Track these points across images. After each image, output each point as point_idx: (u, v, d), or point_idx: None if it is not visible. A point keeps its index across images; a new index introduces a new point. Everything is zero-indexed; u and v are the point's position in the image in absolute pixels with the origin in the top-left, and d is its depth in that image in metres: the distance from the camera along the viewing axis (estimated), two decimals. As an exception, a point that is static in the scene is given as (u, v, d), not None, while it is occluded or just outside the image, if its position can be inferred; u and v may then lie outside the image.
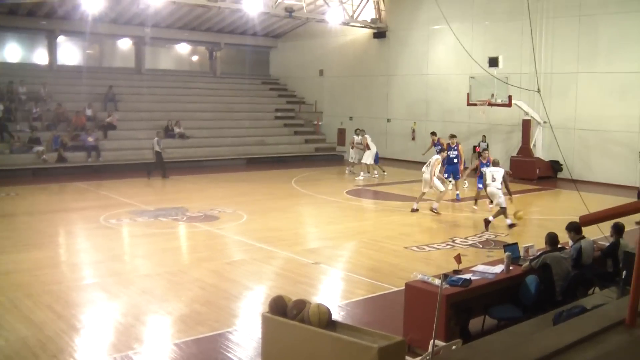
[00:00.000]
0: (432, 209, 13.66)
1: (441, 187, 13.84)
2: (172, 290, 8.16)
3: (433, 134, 19.79)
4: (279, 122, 28.85)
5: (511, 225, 12.13)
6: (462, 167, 16.45)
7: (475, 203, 14.25)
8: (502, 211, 12.36)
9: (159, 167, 19.59)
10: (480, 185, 13.88)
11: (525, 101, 20.90)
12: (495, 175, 12.52)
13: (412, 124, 26.09)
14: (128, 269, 9.18)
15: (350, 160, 21.51)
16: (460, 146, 15.92)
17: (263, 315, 4.94)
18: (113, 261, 9.52)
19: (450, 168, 15.70)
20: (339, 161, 27.15)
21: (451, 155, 15.88)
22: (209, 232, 11.66)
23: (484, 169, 12.90)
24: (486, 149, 19.69)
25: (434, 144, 18.83)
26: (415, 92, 25.83)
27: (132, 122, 24.02)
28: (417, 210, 13.84)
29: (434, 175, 13.71)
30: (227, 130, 26.23)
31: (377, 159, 20.93)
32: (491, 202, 12.85)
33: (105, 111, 23.78)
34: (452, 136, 16.28)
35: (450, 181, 16.44)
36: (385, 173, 21.07)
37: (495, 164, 13.08)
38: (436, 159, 13.95)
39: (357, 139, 20.91)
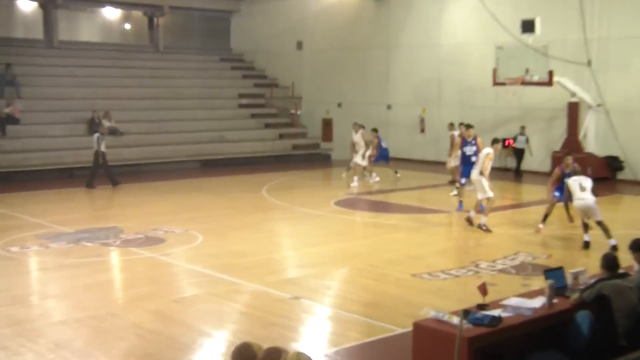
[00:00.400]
0: (480, 226, 13.62)
1: (489, 192, 13.86)
2: (98, 341, 8.03)
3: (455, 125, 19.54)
4: (244, 112, 28.90)
5: (614, 247, 11.68)
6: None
7: (570, 219, 14.08)
8: (604, 229, 12.25)
9: (106, 173, 19.64)
10: (557, 194, 13.66)
11: (572, 78, 21.12)
12: (584, 184, 12.45)
13: (420, 111, 26.22)
14: (35, 314, 8.98)
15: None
16: (479, 139, 15.91)
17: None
18: (14, 305, 9.27)
19: (467, 169, 15.46)
20: (325, 162, 27.19)
21: (467, 153, 15.77)
22: (151, 260, 11.60)
23: (568, 180, 12.75)
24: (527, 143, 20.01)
25: (463, 143, 18.20)
26: (425, 69, 26.00)
27: (41, 113, 23.80)
28: (471, 222, 13.81)
29: (486, 174, 13.72)
30: (174, 123, 26.23)
31: (387, 157, 21.15)
32: (586, 226, 12.57)
33: (3, 99, 23.50)
34: (468, 126, 16.24)
35: (457, 187, 16.60)
36: (399, 175, 21.17)
37: (577, 172, 13.06)
38: (487, 153, 13.92)
39: (355, 136, 20.85)
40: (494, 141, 14.56)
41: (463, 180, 15.97)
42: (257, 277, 10.51)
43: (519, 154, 22.10)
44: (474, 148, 15.70)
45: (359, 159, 20.51)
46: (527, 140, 21.74)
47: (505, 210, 16.86)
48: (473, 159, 15.40)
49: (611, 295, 6.80)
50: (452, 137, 20.19)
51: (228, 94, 29.46)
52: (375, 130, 21.11)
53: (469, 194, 16.42)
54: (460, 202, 16.07)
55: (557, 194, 13.69)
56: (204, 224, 14.58)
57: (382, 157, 20.90)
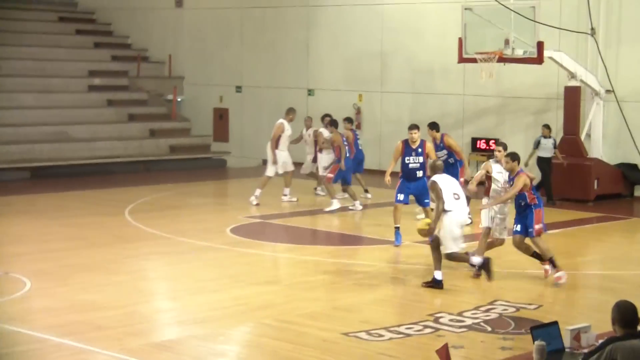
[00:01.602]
0: (475, 272, 13.56)
1: (486, 222, 13.97)
2: None
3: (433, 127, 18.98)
4: (97, 98, 28.62)
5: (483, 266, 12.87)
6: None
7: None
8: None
9: None
10: None
11: (570, 53, 21.62)
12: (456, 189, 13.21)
13: (355, 98, 26.40)
14: None
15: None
16: (427, 144, 16.16)
17: None
18: None
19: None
20: (218, 171, 27.00)
21: (411, 164, 15.98)
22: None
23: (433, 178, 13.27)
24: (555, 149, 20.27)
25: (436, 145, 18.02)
26: (361, 39, 26.22)
27: None
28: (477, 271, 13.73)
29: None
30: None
31: (362, 162, 21.31)
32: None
33: None
34: (412, 127, 16.26)
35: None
36: (369, 195, 21.27)
37: (438, 168, 13.55)
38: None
39: (325, 133, 20.65)
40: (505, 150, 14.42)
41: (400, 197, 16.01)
42: (115, 341, 10.30)
43: (544, 165, 21.20)
44: (420, 157, 15.88)
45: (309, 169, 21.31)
46: (555, 145, 21.08)
47: (474, 240, 17.10)
48: (419, 173, 15.74)
49: (626, 362, 6.92)
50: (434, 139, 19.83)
51: (72, 70, 29.05)
52: (349, 120, 20.97)
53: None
54: (397, 229, 16.06)
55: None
56: (35, 262, 14.27)
57: (356, 163, 20.79)
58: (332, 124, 20.22)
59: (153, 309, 12.28)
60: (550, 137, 21.17)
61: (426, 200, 16.10)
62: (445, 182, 13.05)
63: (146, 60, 30.66)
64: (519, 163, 13.39)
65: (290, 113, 20.70)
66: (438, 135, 17.89)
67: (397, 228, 15.95)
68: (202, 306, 12.03)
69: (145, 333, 10.92)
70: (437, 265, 12.93)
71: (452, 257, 13.06)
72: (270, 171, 20.30)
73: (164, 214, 19.11)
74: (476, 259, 13.12)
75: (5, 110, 25.97)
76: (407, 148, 15.87)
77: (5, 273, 13.51)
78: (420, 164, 15.83)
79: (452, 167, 16.90)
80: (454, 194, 12.95)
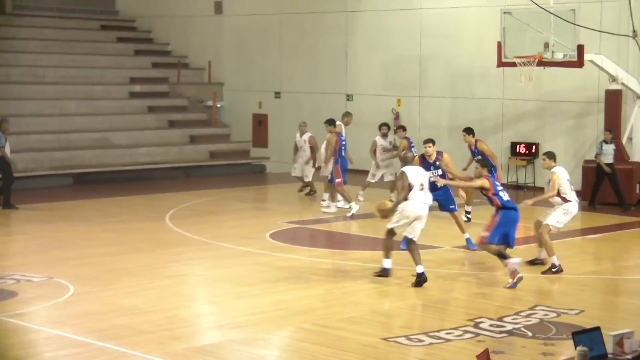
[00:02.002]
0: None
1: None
2: None
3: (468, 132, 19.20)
4: (138, 104, 28.79)
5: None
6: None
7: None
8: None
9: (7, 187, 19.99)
10: None
11: (611, 56, 21.49)
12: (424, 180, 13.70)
13: (394, 103, 26.39)
14: None
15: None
16: (444, 156, 16.23)
17: None
18: None
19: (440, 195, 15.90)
20: (257, 176, 27.07)
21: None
22: (-4, 322, 11.37)
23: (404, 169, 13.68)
24: None
25: (472, 151, 18.79)
26: (400, 44, 26.20)
27: None
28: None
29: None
30: (32, 120, 25.90)
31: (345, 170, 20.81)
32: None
33: None
34: (426, 141, 16.35)
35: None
36: (313, 192, 21.42)
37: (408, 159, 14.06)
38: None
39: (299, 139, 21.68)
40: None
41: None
42: (157, 345, 10.37)
43: (602, 170, 20.73)
44: (439, 170, 15.97)
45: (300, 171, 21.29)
46: (615, 150, 20.67)
47: (517, 245, 17.01)
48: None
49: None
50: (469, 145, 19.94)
51: (113, 77, 29.23)
52: (331, 123, 20.35)
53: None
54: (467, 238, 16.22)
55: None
56: (77, 268, 14.38)
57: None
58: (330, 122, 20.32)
59: (194, 313, 12.34)
60: (612, 142, 20.83)
61: (451, 207, 16.22)
62: (414, 174, 13.48)
63: (186, 67, 30.81)
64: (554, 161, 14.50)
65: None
66: (473, 140, 18.32)
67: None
68: (242, 310, 12.07)
69: (187, 337, 10.97)
70: (387, 254, 13.74)
71: (388, 232, 13.70)
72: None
73: (204, 220, 19.18)
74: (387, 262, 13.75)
75: (49, 118, 26.22)
76: (424, 163, 15.82)
77: (49, 278, 13.64)
78: (440, 176, 15.83)
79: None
80: (420, 184, 13.42)
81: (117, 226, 18.42)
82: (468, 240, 15.92)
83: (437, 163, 15.97)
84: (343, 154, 19.90)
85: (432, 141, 16.20)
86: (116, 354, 10.09)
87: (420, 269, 13.29)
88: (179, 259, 15.35)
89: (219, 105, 29.74)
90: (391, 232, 13.68)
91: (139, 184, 24.42)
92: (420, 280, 13.25)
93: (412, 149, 20.28)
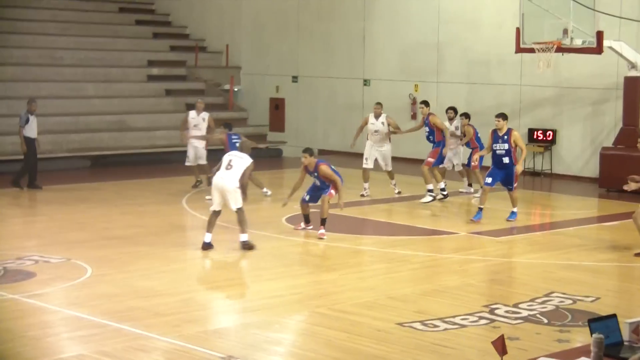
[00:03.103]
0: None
1: None
2: None
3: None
4: (156, 87, 28.84)
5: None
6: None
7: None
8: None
9: (27, 168, 20.16)
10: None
11: (631, 42, 21.39)
12: (234, 161, 14.61)
13: (411, 88, 26.33)
14: None
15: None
16: (513, 132, 17.12)
17: None
18: None
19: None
20: (274, 160, 27.07)
21: (495, 149, 17.27)
22: (12, 304, 11.42)
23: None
24: None
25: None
26: (418, 30, 26.14)
27: None
28: None
29: None
30: (51, 102, 25.87)
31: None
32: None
33: None
34: (497, 115, 17.39)
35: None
36: (268, 193, 20.24)
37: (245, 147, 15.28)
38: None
39: (376, 123, 20.18)
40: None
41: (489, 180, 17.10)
42: (172, 328, 10.40)
43: None
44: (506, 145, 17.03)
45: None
46: None
47: (533, 232, 17.00)
48: (505, 159, 16.95)
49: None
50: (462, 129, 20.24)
51: (131, 60, 29.28)
52: (227, 126, 20.00)
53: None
54: (480, 210, 17.05)
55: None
56: (95, 250, 14.44)
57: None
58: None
59: (209, 296, 12.42)
60: None
61: (509, 187, 17.14)
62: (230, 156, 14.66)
63: (204, 50, 30.80)
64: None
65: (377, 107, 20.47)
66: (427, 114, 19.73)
67: (481, 209, 17.09)
68: (257, 294, 12.14)
69: (202, 320, 11.03)
70: (210, 228, 14.53)
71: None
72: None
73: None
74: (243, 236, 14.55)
75: (67, 100, 26.29)
76: (494, 136, 17.10)
77: (67, 259, 13.73)
78: (506, 150, 16.93)
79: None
80: (229, 163, 14.41)
81: (134, 209, 18.51)
82: (513, 213, 17.26)
83: (505, 137, 16.98)
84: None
85: (503, 115, 17.26)
86: (132, 336, 10.13)
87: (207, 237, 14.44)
88: (195, 242, 15.39)
89: (236, 89, 29.75)
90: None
91: (156, 166, 24.51)
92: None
93: (478, 138, 20.22)
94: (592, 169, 22.43)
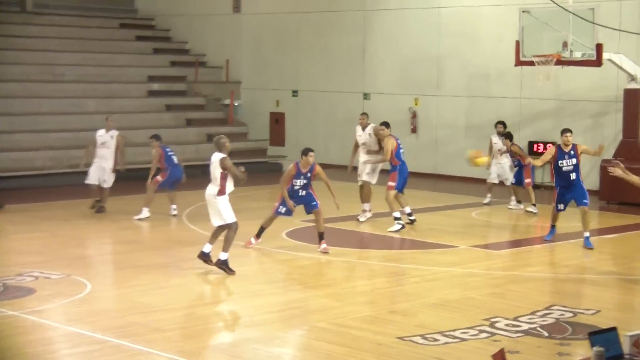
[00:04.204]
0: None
1: None
2: None
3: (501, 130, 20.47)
4: (156, 103, 28.89)
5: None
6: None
7: None
8: None
9: None
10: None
11: (631, 55, 21.44)
12: None
13: (411, 102, 26.36)
14: None
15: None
16: (579, 146, 16.65)
17: None
18: None
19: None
20: (274, 174, 27.04)
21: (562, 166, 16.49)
22: (12, 321, 11.42)
23: None
24: None
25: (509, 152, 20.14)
26: (418, 43, 26.18)
27: None
28: None
29: None
30: (51, 118, 26.06)
31: (177, 179, 19.99)
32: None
33: None
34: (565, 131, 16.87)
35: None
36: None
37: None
38: None
39: (363, 135, 19.19)
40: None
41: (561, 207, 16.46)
42: (173, 343, 10.42)
43: None
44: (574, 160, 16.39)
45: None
46: None
47: (534, 244, 17.00)
48: (572, 175, 16.24)
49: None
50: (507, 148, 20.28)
51: (132, 75, 29.32)
52: (156, 138, 19.55)
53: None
54: (553, 227, 16.74)
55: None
56: (94, 265, 14.60)
57: (172, 180, 19.61)
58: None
59: (210, 311, 12.39)
60: None
61: (584, 201, 16.20)
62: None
63: (204, 66, 30.82)
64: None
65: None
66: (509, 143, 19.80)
67: (554, 226, 16.76)
68: (258, 309, 12.10)
69: (202, 335, 11.03)
70: (212, 240, 14.19)
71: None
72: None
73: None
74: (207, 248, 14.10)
75: (68, 116, 26.28)
76: (559, 152, 16.36)
77: (67, 275, 13.73)
78: (574, 166, 16.28)
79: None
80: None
81: (135, 224, 18.53)
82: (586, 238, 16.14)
83: (572, 152, 16.32)
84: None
85: (570, 131, 16.62)
86: (132, 352, 10.13)
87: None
88: (195, 257, 15.36)
89: (236, 104, 29.78)
90: None
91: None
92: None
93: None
94: (592, 182, 22.40)
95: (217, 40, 30.97)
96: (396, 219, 17.67)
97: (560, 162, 16.24)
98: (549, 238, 16.56)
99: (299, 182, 15.71)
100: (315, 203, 15.66)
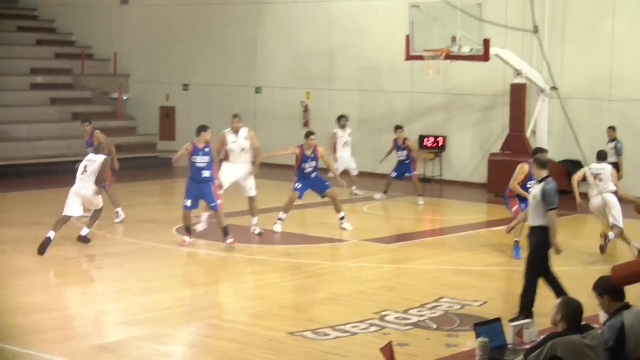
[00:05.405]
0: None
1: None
2: None
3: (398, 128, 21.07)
4: (40, 96, 28.48)
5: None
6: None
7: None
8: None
9: None
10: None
11: (517, 50, 21.94)
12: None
13: (303, 95, 26.50)
14: None
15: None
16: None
17: None
18: None
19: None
20: (164, 170, 26.88)
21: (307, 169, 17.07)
22: None
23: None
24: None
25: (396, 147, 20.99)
26: (309, 37, 26.35)
27: None
28: None
29: None
30: None
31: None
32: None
33: None
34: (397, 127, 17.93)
35: None
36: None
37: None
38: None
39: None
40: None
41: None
42: (56, 344, 10.25)
43: None
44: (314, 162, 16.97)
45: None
46: (618, 151, 20.19)
47: (424, 237, 17.27)
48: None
49: (565, 358, 7.04)
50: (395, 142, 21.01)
51: (13, 67, 28.85)
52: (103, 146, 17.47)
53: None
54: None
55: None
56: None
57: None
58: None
59: (96, 310, 12.21)
60: (615, 140, 20.40)
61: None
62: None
63: (91, 58, 30.44)
64: None
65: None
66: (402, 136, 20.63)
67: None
68: (146, 307, 12.00)
69: (88, 335, 10.90)
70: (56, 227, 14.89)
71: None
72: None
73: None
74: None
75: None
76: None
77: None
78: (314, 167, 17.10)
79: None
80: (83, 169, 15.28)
81: (19, 221, 18.15)
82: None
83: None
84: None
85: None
86: (11, 354, 9.90)
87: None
88: (82, 254, 15.18)
89: (124, 98, 29.48)
90: None
91: (41, 178, 23.99)
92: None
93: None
94: (481, 175, 22.90)
95: (104, 31, 30.62)
96: (280, 219, 17.43)
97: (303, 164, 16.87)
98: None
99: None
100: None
